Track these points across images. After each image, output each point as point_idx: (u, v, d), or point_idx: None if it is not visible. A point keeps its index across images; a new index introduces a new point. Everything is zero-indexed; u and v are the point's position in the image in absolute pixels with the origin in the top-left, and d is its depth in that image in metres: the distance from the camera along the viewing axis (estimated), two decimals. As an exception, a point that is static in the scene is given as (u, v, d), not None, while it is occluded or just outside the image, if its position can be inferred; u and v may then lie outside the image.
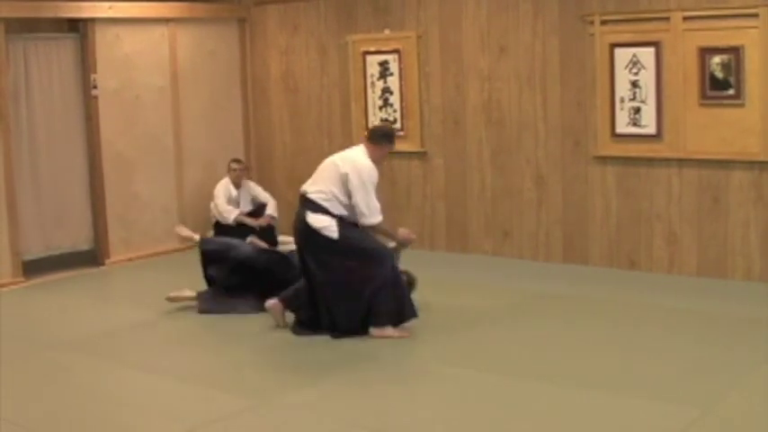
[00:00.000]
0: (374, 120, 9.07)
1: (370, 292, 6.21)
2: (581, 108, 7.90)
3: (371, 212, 6.21)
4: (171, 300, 7.05)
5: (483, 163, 8.49)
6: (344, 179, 6.18)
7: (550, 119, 8.07)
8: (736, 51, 7.05)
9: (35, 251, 8.58)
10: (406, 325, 6.35)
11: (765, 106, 7.02)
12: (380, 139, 6.40)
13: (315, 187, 6.26)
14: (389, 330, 6.28)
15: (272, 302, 6.48)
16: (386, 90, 8.98)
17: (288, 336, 6.41)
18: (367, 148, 6.35)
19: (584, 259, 8.02)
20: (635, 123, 7.60)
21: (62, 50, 8.60)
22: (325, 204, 6.20)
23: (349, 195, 6.19)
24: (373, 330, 6.28)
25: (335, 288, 6.23)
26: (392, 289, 6.25)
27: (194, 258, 9.10)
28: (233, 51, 9.90)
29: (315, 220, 6.19)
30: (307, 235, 6.23)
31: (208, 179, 9.50)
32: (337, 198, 6.20)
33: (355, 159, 6.27)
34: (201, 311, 6.94)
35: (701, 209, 7.43)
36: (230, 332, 6.58)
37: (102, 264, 8.83)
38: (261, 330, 6.51)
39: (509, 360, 5.80)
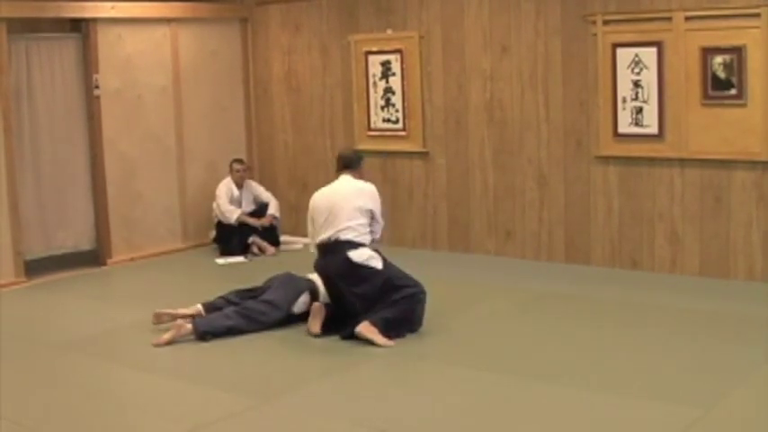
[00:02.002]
0: (376, 120, 9.07)
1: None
2: (583, 108, 7.89)
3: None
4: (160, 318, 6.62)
5: (485, 163, 8.48)
6: (371, 213, 6.37)
7: (552, 119, 8.06)
8: (737, 51, 7.04)
9: (37, 251, 8.58)
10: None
11: (767, 106, 7.00)
12: (359, 162, 6.60)
13: (342, 231, 6.26)
14: (377, 336, 6.11)
15: (319, 305, 6.45)
16: (388, 90, 8.98)
17: (288, 336, 6.41)
18: (353, 175, 6.51)
19: (587, 259, 8.02)
20: (637, 123, 7.59)
21: (64, 50, 8.60)
22: (361, 240, 6.30)
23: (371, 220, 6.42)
24: (361, 326, 6.13)
25: (376, 303, 6.26)
26: (409, 304, 6.27)
27: (196, 258, 9.15)
28: (235, 51, 9.90)
29: (357, 255, 6.24)
30: (349, 270, 6.24)
31: (210, 179, 9.51)
32: (365, 229, 6.34)
33: (363, 188, 6.44)
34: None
35: (703, 209, 7.42)
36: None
37: (104, 264, 8.84)
38: (261, 328, 6.49)
39: (510, 360, 5.79)
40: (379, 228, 6.46)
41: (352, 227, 6.27)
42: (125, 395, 5.62)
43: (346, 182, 6.47)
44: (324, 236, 6.31)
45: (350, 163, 6.56)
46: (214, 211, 9.24)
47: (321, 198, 6.45)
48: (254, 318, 6.46)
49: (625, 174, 7.75)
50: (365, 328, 6.12)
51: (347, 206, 6.30)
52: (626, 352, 5.84)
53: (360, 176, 6.54)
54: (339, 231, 6.26)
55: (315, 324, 6.38)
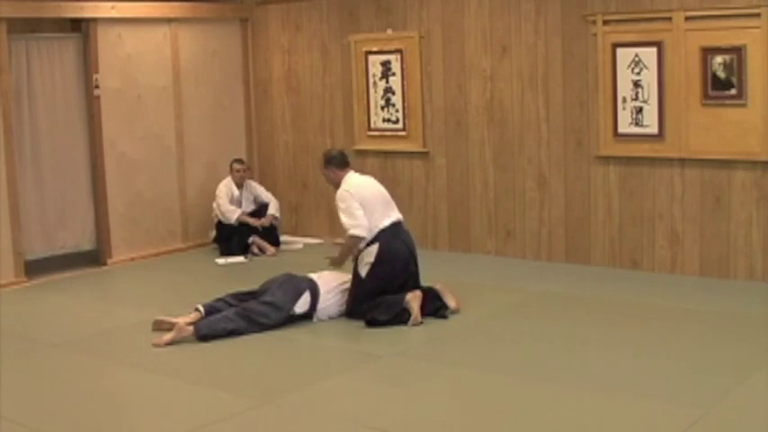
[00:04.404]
0: (376, 120, 9.08)
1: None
2: (583, 108, 7.89)
3: None
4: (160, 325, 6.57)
5: (485, 163, 8.48)
6: None
7: (553, 119, 8.06)
8: (738, 51, 7.04)
9: (37, 251, 8.58)
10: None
11: (767, 106, 7.00)
12: None
13: (397, 213, 6.88)
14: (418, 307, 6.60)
15: (417, 293, 6.58)
16: (388, 90, 8.98)
17: (288, 336, 6.41)
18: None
19: (587, 259, 8.02)
20: (637, 123, 7.59)
21: (64, 50, 8.60)
22: None
23: None
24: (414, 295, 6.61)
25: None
26: None
27: (196, 258, 9.15)
28: (235, 51, 9.90)
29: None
30: (414, 245, 6.91)
31: (210, 179, 9.51)
32: None
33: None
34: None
35: (703, 209, 7.42)
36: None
37: (105, 264, 8.84)
38: (262, 330, 6.49)
39: (510, 359, 5.79)
40: None
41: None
42: (125, 395, 5.63)
43: (363, 176, 7.00)
44: (391, 219, 6.77)
45: (348, 161, 7.02)
46: (214, 211, 9.24)
47: (368, 187, 6.88)
48: (255, 320, 6.45)
49: (625, 174, 7.75)
50: (417, 298, 6.56)
51: (387, 194, 6.93)
52: (626, 352, 5.83)
53: None
54: (397, 213, 6.87)
55: (418, 308, 6.50)
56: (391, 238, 6.68)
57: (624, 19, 7.57)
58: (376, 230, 6.66)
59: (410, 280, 6.71)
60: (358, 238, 6.64)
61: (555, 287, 7.41)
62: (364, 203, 6.68)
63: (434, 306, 6.62)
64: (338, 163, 6.93)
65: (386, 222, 6.71)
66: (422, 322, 6.46)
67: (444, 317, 6.60)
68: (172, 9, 9.27)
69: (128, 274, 8.69)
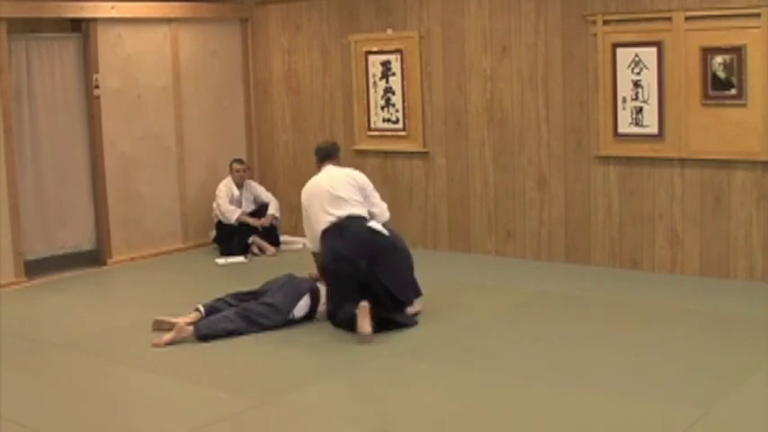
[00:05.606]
0: (376, 120, 9.07)
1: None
2: (583, 108, 7.89)
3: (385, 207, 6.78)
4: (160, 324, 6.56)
5: (485, 163, 8.48)
6: (364, 192, 6.58)
7: (553, 119, 8.06)
8: (738, 51, 7.04)
9: (37, 251, 8.58)
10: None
11: (767, 106, 7.00)
12: (338, 152, 6.90)
13: (354, 208, 6.45)
14: (417, 305, 6.53)
15: (364, 304, 6.20)
16: (388, 90, 8.98)
17: (288, 336, 6.41)
18: (335, 164, 6.78)
19: (587, 259, 8.02)
20: (637, 123, 7.60)
21: (64, 50, 8.60)
22: (367, 216, 6.52)
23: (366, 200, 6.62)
24: (410, 309, 6.49)
25: (398, 279, 6.44)
26: (408, 265, 6.61)
27: (196, 258, 9.15)
28: (235, 51, 9.90)
29: (373, 224, 6.48)
30: (371, 238, 6.38)
31: (210, 179, 9.51)
32: (366, 208, 6.57)
33: (352, 173, 6.69)
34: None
35: (703, 209, 7.42)
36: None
37: (105, 264, 8.84)
38: (261, 331, 6.49)
39: (510, 360, 5.79)
40: (379, 210, 6.66)
41: (359, 204, 6.49)
42: (125, 395, 5.63)
43: (334, 169, 6.72)
44: (332, 218, 6.42)
45: (329, 153, 6.83)
46: (214, 211, 9.24)
47: (315, 186, 6.61)
48: (255, 320, 6.46)
49: (625, 174, 7.75)
50: (412, 310, 6.49)
51: (346, 187, 6.52)
52: (626, 352, 5.84)
53: (339, 165, 6.82)
54: (351, 208, 6.44)
55: (365, 324, 6.12)
56: (333, 239, 6.36)
57: (624, 19, 7.57)
58: (319, 234, 6.46)
59: (369, 278, 6.29)
60: (314, 253, 6.69)
61: (555, 287, 7.41)
62: (309, 203, 6.56)
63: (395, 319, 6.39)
64: (319, 158, 6.84)
65: (325, 224, 6.41)
66: (370, 336, 6.11)
67: (406, 325, 6.42)
68: (172, 9, 9.27)
69: (128, 274, 8.69)
